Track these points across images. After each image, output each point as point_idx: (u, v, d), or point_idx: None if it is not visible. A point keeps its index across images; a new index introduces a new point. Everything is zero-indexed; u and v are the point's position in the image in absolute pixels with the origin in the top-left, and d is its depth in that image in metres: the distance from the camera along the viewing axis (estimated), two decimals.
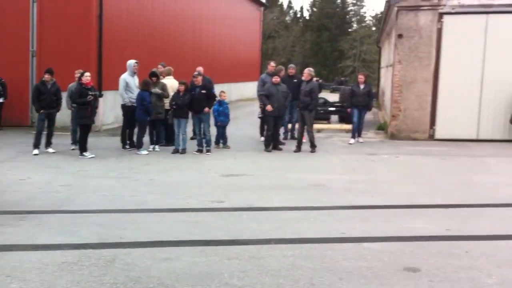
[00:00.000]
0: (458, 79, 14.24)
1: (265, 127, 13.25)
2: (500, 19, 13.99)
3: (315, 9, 68.11)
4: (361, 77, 14.34)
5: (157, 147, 12.78)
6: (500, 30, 13.98)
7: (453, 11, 14.21)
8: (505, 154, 12.27)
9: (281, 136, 13.98)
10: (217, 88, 14.54)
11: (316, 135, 13.42)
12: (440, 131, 14.52)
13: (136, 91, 12.47)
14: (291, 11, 74.67)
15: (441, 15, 14.28)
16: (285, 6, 73.32)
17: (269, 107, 12.67)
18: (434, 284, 4.80)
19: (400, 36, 14.54)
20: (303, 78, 13.09)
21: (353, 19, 68.37)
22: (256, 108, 15.23)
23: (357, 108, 14.08)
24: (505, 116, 14.05)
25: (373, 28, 60.89)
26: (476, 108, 14.28)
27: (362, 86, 14.08)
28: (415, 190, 8.68)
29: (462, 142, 13.93)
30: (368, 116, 17.86)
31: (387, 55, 21.08)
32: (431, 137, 14.53)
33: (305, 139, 12.93)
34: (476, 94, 14.24)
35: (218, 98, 13.18)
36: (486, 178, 9.70)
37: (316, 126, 14.94)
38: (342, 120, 18.35)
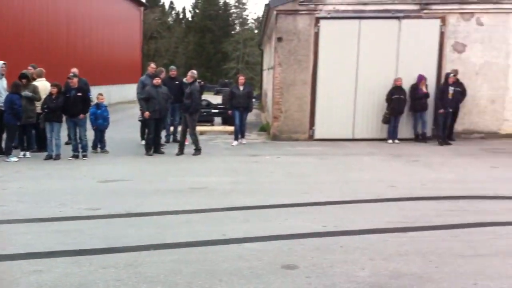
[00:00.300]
0: (335, 81, 14.82)
1: (146, 130, 12.95)
2: (371, 25, 14.74)
3: (197, 11, 68.04)
4: (241, 79, 14.46)
5: (28, 153, 12.06)
6: (371, 35, 14.73)
7: (328, 16, 14.75)
8: (378, 152, 12.95)
9: (163, 139, 13.75)
10: (95, 91, 13.99)
11: (200, 137, 13.33)
12: (319, 132, 15.03)
13: (4, 94, 11.71)
14: (173, 12, 73.92)
15: (317, 19, 14.77)
16: (167, 6, 72.36)
17: (146, 114, 12.38)
18: (311, 280, 4.89)
19: (279, 39, 14.85)
20: (185, 80, 12.95)
21: (236, 22, 69.13)
22: (137, 110, 14.84)
23: (238, 110, 14.18)
24: (377, 116, 14.84)
25: (256, 31, 61.92)
26: (352, 109, 14.95)
27: (242, 88, 14.19)
28: (295, 189, 8.87)
29: (340, 142, 14.52)
30: (252, 117, 18.13)
31: (269, 57, 21.48)
32: (311, 137, 15.01)
33: (188, 141, 12.81)
34: (351, 95, 14.90)
35: (94, 102, 12.69)
36: (361, 175, 10.16)
37: (200, 128, 14.87)
38: (225, 122, 18.43)
